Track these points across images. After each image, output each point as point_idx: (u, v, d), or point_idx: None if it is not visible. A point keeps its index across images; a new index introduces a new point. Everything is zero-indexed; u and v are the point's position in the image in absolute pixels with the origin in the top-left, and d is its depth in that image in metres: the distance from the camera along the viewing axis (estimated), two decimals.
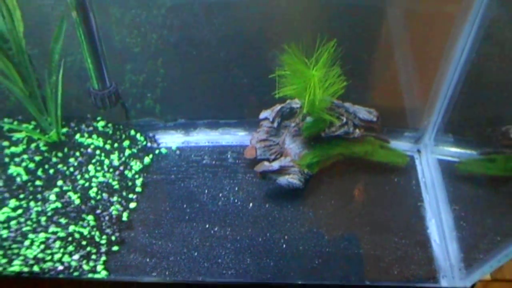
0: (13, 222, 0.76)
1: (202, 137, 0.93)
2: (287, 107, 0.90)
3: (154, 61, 0.91)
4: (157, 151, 0.89)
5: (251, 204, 0.83)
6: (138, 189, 0.83)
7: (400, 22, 0.86)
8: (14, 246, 0.73)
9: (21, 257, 0.72)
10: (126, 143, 0.89)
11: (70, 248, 0.73)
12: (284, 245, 0.77)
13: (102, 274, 0.71)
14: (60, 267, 0.71)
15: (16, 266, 0.70)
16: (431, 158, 0.92)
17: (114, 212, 0.79)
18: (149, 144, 0.90)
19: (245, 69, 0.88)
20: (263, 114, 0.91)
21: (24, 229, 0.75)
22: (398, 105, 0.97)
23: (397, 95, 0.96)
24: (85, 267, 0.71)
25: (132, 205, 0.81)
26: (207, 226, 0.80)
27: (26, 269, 0.70)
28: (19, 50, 0.78)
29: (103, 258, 0.73)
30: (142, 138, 0.90)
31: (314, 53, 0.75)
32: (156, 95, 0.94)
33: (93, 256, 0.73)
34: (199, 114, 0.94)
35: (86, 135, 0.89)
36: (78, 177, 0.83)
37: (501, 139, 0.87)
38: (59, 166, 0.85)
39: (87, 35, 0.74)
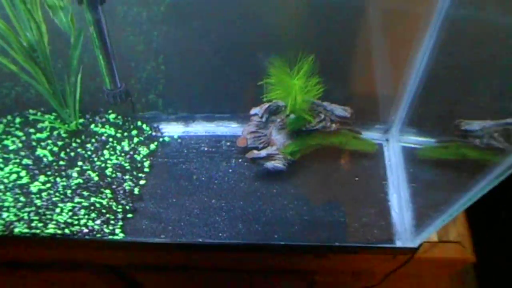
0: (44, 194, 1.01)
1: (200, 128, 1.19)
2: (274, 105, 1.16)
3: (156, 58, 1.15)
4: (161, 139, 1.15)
5: (242, 183, 1.09)
6: (146, 169, 1.09)
7: (374, 25, 1.11)
8: (47, 213, 0.97)
9: (54, 222, 0.96)
10: (134, 132, 1.15)
11: (93, 215, 0.98)
12: (269, 214, 1.03)
13: (119, 236, 0.97)
14: (86, 230, 0.96)
15: (51, 229, 0.95)
16: (396, 146, 1.19)
17: (127, 187, 1.04)
18: (154, 133, 1.16)
19: (239, 68, 1.14)
20: (253, 111, 1.16)
21: (53, 199, 1.00)
22: (370, 102, 1.24)
23: (370, 94, 1.23)
24: (106, 230, 0.97)
25: (142, 182, 1.06)
26: (205, 199, 1.05)
27: (59, 232, 0.95)
28: (45, 57, 1.03)
29: (120, 223, 0.98)
30: (148, 128, 1.16)
31: (297, 63, 1.00)
32: (158, 91, 1.19)
33: (112, 222, 0.98)
34: (197, 108, 1.20)
35: (100, 125, 1.15)
36: (95, 159, 1.09)
37: (454, 130, 1.14)
38: (79, 150, 1.10)
39: (102, 46, 0.98)
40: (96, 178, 1.05)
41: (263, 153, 1.10)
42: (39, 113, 1.16)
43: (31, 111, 1.16)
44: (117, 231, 0.97)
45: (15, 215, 0.97)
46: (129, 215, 1.00)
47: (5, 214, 0.96)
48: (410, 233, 1.01)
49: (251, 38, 1.08)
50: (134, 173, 1.08)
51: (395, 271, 1.02)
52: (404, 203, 1.07)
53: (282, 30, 1.10)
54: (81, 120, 1.15)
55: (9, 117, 1.14)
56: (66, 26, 0.92)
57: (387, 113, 1.25)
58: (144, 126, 1.17)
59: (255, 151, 1.11)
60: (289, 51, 0.99)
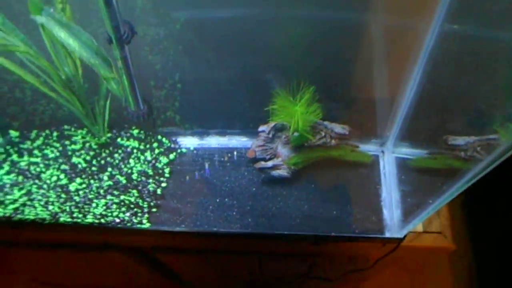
0: (81, 192, 1.52)
1: (214, 141, 1.70)
2: (280, 124, 1.66)
3: (172, 76, 1.62)
4: (179, 150, 1.67)
5: (251, 186, 1.59)
6: (167, 175, 1.60)
7: (371, 50, 1.60)
8: (85, 206, 1.48)
9: (91, 214, 1.47)
10: (155, 144, 1.67)
11: (123, 209, 1.49)
12: (275, 211, 1.52)
13: (146, 225, 1.46)
14: (118, 220, 1.46)
15: (89, 219, 1.45)
16: (391, 157, 1.69)
17: (151, 188, 1.55)
18: (172, 146, 1.67)
19: (249, 88, 1.66)
20: (261, 128, 1.66)
21: (89, 196, 1.51)
22: (368, 120, 1.75)
23: (368, 113, 1.74)
24: (135, 220, 1.46)
25: (163, 184, 1.57)
26: (218, 199, 1.55)
27: (96, 221, 1.45)
28: (79, 87, 1.55)
29: (146, 215, 1.48)
30: (167, 141, 1.68)
31: (299, 91, 1.49)
32: (175, 108, 1.71)
33: (139, 214, 1.48)
34: (211, 124, 1.72)
35: (125, 139, 1.67)
36: (123, 166, 1.60)
37: (442, 144, 1.63)
38: (108, 159, 1.62)
39: (127, 76, 1.46)
40: (124, 181, 1.56)
41: (269, 163, 1.61)
42: (72, 129, 1.69)
43: (66, 126, 1.69)
44: (144, 221, 1.46)
45: (59, 207, 1.47)
46: (154, 210, 1.50)
47: (50, 207, 1.47)
48: (397, 227, 1.49)
49: (260, 60, 1.59)
50: (157, 177, 1.58)
51: (384, 258, 1.48)
52: (395, 203, 1.55)
53: (288, 52, 1.61)
54: (108, 135, 1.67)
55: (47, 131, 1.67)
56: (116, 91, 1.44)
57: (383, 129, 1.75)
58: (163, 139, 1.68)
59: (263, 162, 1.61)
60: (293, 72, 1.50)
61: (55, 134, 1.68)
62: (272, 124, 1.65)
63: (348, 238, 1.48)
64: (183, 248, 1.63)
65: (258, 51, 1.55)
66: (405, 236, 1.47)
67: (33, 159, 1.62)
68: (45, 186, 1.55)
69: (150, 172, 1.61)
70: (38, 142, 1.66)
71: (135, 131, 1.70)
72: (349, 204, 1.56)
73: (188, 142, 1.72)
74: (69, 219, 1.46)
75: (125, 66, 1.43)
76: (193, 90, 1.68)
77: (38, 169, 1.59)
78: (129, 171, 1.60)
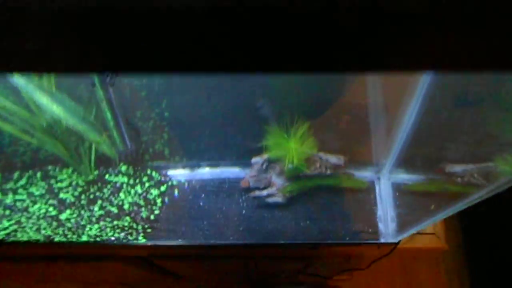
0: (72, 220, 1.92)
1: (206, 173, 2.14)
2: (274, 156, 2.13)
3: (159, 104, 2.09)
4: (170, 183, 2.10)
5: (245, 210, 2.01)
6: (159, 204, 2.01)
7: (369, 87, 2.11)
8: (79, 230, 1.87)
9: (86, 235, 1.86)
10: (145, 178, 2.10)
11: (118, 230, 1.88)
12: (271, 229, 1.93)
13: (142, 241, 1.85)
14: (113, 238, 1.85)
15: (84, 239, 1.84)
16: (387, 183, 2.13)
17: (143, 215, 1.96)
18: (163, 179, 2.10)
19: (240, 117, 2.12)
20: (254, 160, 2.11)
21: (81, 223, 1.91)
22: (365, 150, 2.21)
23: (365, 143, 2.21)
24: (130, 238, 1.85)
25: (156, 212, 1.98)
26: (213, 221, 1.96)
27: (91, 240, 1.84)
28: (62, 132, 2.02)
29: (142, 234, 1.88)
30: (156, 175, 2.11)
31: (293, 126, 1.97)
32: (164, 140, 2.15)
33: (134, 233, 1.88)
34: (202, 158, 2.16)
35: (113, 175, 2.10)
36: (113, 199, 2.02)
37: (439, 171, 2.09)
38: (97, 193, 2.04)
39: (112, 116, 1.97)
40: (116, 211, 1.97)
41: (264, 192, 2.04)
42: (57, 169, 2.11)
43: (50, 167, 2.11)
44: (140, 238, 1.85)
45: (52, 231, 1.86)
46: (149, 230, 1.89)
47: (43, 231, 1.86)
48: (392, 236, 1.90)
49: (252, 86, 2.07)
50: (149, 206, 2.00)
51: (379, 260, 1.88)
52: (390, 219, 1.97)
53: (281, 80, 2.11)
54: (95, 172, 2.10)
55: (30, 172, 2.10)
56: (108, 152, 1.91)
57: (379, 158, 2.21)
58: (153, 173, 2.12)
59: (257, 191, 2.04)
60: (287, 102, 1.99)
61: (39, 174, 2.11)
62: (265, 156, 2.09)
63: (343, 244, 1.87)
64: (180, 255, 2.00)
65: (250, 77, 1.93)
66: (399, 241, 1.87)
67: (18, 197, 2.02)
68: (34, 217, 1.94)
69: (142, 202, 2.02)
70: (22, 182, 2.07)
71: (123, 167, 2.13)
72: (345, 220, 1.97)
73: (179, 174, 2.15)
74: (64, 239, 1.84)
75: (109, 107, 1.90)
76: (182, 118, 2.13)
77: (25, 204, 1.99)
78: (120, 202, 2.01)
